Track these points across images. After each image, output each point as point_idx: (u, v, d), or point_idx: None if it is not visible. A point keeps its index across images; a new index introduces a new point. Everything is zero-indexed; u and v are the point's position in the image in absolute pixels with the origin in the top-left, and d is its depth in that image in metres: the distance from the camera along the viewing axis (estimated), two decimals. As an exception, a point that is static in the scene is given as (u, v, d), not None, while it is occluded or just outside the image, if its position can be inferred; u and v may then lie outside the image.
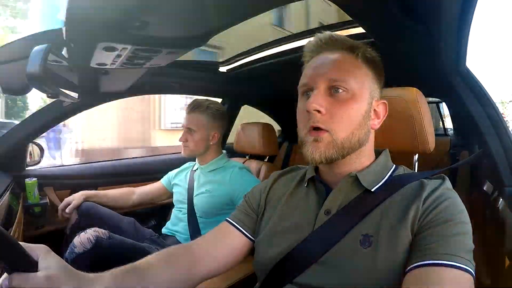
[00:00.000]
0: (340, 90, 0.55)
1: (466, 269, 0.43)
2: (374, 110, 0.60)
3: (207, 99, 1.30)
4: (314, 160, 0.55)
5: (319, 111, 0.54)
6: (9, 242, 0.38)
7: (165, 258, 0.58)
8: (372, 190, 0.56)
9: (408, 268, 0.46)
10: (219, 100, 1.84)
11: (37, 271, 0.42)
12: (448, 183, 0.55)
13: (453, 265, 0.43)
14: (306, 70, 0.61)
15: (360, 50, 0.58)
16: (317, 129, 0.55)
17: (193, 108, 1.26)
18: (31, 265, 0.42)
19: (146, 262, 0.55)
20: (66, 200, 1.21)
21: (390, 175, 0.60)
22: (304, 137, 0.57)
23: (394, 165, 0.63)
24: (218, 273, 0.63)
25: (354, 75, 0.56)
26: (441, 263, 0.44)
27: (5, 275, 0.41)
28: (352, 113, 0.55)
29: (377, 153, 0.64)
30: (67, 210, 1.18)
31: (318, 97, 0.55)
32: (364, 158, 0.60)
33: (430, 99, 1.65)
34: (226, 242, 0.65)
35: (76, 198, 1.20)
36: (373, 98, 0.59)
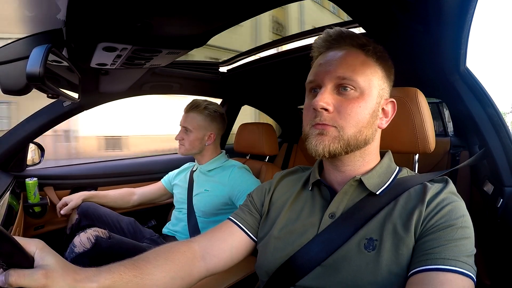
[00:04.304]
0: (348, 89, 0.54)
1: (467, 274, 0.44)
2: (383, 109, 0.59)
3: (205, 100, 1.30)
4: (317, 153, 0.54)
5: (326, 110, 0.53)
6: (4, 237, 0.37)
7: (164, 254, 0.57)
8: (377, 193, 0.56)
9: (411, 272, 0.46)
10: (219, 100, 1.84)
11: (33, 267, 0.41)
12: (451, 186, 0.54)
13: (455, 270, 0.44)
14: (314, 66, 0.60)
15: (370, 47, 0.57)
16: (323, 124, 0.54)
17: (191, 107, 1.26)
18: (27, 261, 0.41)
19: (145, 258, 0.54)
20: (65, 198, 1.21)
21: (394, 178, 0.59)
22: (309, 130, 0.56)
23: (398, 167, 0.62)
24: (217, 271, 0.63)
25: (363, 73, 0.54)
26: (443, 268, 0.44)
27: (0, 271, 0.40)
28: (359, 111, 0.54)
29: (380, 154, 0.63)
30: (62, 212, 1.18)
31: (325, 95, 0.54)
32: (368, 157, 0.59)
33: (430, 99, 1.65)
34: (228, 241, 0.64)
35: (75, 198, 1.20)
36: (382, 97, 0.58)
